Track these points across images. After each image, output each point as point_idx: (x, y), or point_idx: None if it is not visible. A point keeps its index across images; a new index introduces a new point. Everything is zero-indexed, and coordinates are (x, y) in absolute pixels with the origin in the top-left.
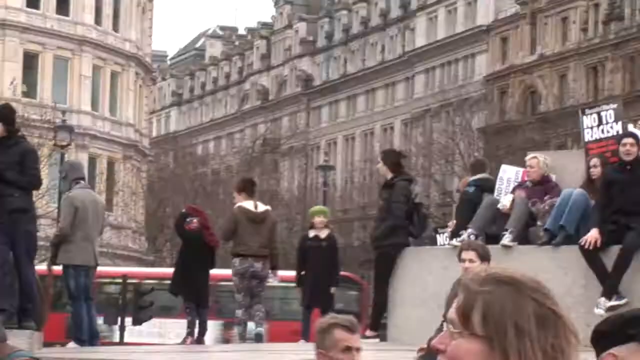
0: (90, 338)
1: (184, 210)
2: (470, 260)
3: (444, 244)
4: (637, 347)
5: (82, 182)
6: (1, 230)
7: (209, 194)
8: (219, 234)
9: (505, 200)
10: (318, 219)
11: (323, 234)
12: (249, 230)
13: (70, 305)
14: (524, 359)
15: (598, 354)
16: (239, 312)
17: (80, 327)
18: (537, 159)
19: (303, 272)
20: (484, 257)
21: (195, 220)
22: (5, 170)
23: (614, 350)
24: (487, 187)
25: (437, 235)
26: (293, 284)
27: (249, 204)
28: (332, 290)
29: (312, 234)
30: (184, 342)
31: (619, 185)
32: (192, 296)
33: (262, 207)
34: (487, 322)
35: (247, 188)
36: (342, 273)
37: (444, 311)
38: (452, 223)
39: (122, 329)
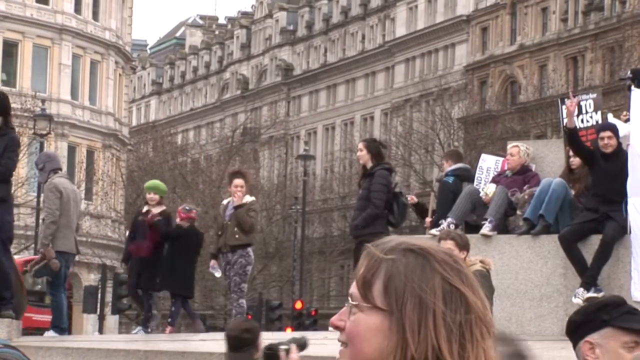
0: (63, 328)
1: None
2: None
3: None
4: (611, 332)
5: (60, 172)
6: None
7: (189, 184)
8: (253, 224)
9: (488, 190)
10: (148, 196)
11: (156, 210)
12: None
13: (51, 293)
14: (424, 335)
15: (575, 344)
16: (243, 302)
17: (60, 316)
18: (518, 148)
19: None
20: (463, 247)
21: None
22: None
23: (589, 337)
24: (466, 176)
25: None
26: None
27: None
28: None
29: (145, 209)
30: (163, 331)
31: (602, 173)
32: (181, 289)
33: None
34: (388, 293)
35: None
36: None
37: None
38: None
39: (102, 317)
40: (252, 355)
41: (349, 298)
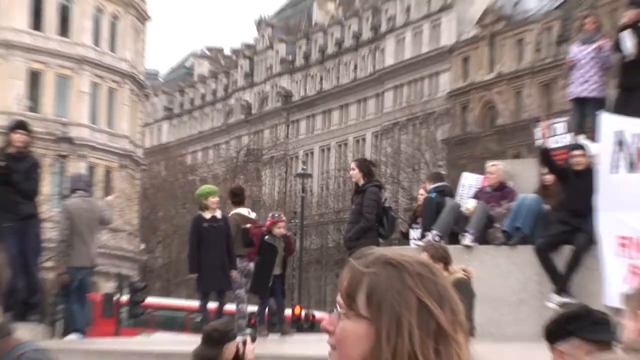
0: (83, 332)
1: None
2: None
3: (415, 238)
4: (578, 342)
5: (78, 192)
6: (11, 232)
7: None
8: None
9: (469, 204)
10: (213, 199)
11: (219, 214)
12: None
13: (63, 301)
14: (400, 343)
15: (551, 349)
16: (243, 307)
17: (76, 320)
18: (497, 167)
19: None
20: (438, 259)
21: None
22: (21, 182)
23: (558, 346)
24: (446, 192)
25: (411, 230)
26: None
27: (245, 211)
28: (234, 274)
29: (208, 215)
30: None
31: (574, 189)
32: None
33: (252, 213)
34: (370, 303)
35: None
36: None
37: None
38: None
39: (119, 322)
40: (216, 353)
41: (337, 305)
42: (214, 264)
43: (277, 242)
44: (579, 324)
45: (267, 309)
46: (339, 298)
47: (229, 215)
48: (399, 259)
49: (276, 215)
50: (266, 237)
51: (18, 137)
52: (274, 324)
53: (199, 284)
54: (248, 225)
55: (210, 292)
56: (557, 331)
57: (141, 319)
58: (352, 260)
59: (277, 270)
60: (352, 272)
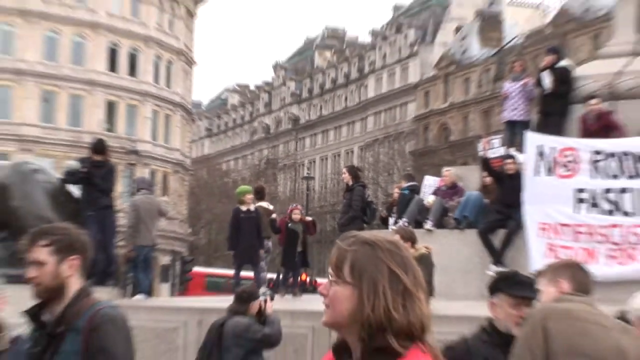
0: (147, 293)
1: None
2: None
3: (391, 224)
4: (503, 297)
5: (142, 190)
6: (93, 219)
7: (231, 197)
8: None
9: (429, 199)
10: (249, 196)
11: (252, 207)
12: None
13: (133, 271)
14: (377, 301)
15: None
16: (264, 275)
17: (141, 285)
18: (450, 171)
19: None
20: (407, 238)
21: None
22: (101, 183)
23: (491, 299)
24: (416, 190)
25: (389, 217)
26: None
27: (265, 204)
28: (262, 252)
29: (244, 208)
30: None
31: (507, 188)
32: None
33: (270, 206)
34: (353, 273)
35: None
36: None
37: None
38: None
39: (173, 285)
40: (244, 308)
41: (329, 275)
42: (246, 244)
43: (297, 227)
44: (506, 283)
45: (287, 277)
46: (330, 269)
47: None
48: (373, 239)
49: (292, 205)
50: (289, 224)
51: (96, 157)
52: (288, 287)
53: (235, 258)
54: (274, 216)
55: (243, 265)
56: (491, 288)
57: (221, 286)
58: (339, 241)
59: (299, 248)
60: (339, 250)
